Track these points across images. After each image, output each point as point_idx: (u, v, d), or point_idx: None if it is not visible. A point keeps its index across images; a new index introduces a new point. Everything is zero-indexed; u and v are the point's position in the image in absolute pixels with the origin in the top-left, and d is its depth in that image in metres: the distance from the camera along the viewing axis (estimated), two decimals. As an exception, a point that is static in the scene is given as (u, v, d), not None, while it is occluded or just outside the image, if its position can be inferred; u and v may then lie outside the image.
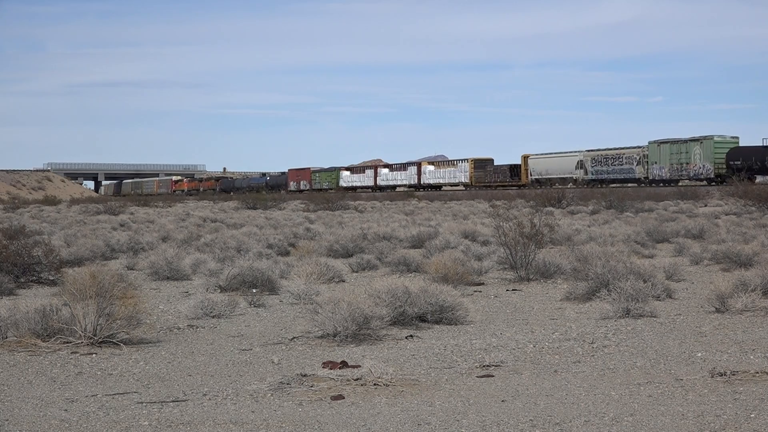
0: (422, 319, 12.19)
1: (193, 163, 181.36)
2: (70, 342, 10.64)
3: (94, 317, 10.65)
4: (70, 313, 10.86)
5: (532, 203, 49.45)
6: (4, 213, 51.40)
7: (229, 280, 15.99)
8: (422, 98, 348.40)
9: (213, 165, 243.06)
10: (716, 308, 12.63)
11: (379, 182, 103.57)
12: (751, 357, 9.65)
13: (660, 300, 13.88)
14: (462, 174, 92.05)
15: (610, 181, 73.72)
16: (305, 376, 8.84)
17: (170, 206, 65.67)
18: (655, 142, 71.23)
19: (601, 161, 75.90)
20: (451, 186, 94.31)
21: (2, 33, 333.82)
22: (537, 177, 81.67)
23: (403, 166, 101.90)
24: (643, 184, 70.22)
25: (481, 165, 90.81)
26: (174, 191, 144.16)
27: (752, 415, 7.34)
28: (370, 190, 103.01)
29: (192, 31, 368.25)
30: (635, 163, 72.76)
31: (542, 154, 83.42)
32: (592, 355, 10.00)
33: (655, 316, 12.35)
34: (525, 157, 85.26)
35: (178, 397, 8.46)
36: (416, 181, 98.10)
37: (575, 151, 79.67)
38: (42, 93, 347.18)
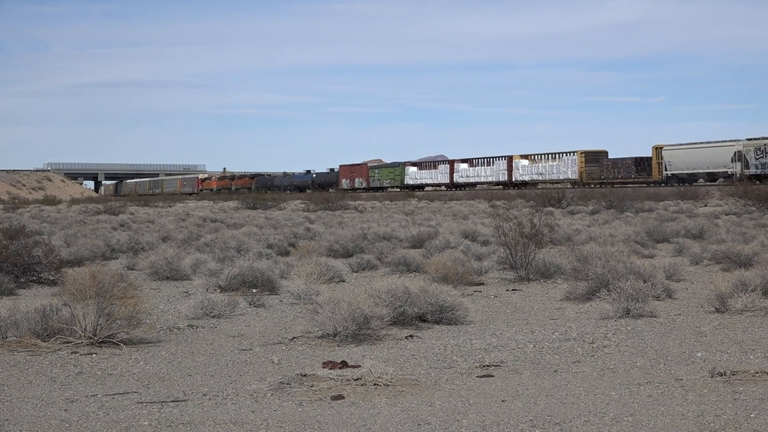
0: (422, 319, 12.18)
1: (193, 163, 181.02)
2: (70, 342, 10.64)
3: (94, 317, 10.65)
4: (70, 313, 10.86)
5: (532, 203, 49.48)
6: (4, 213, 51.38)
7: (229, 280, 15.98)
8: (423, 98, 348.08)
9: (213, 165, 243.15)
10: (716, 308, 12.63)
11: (456, 179, 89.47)
12: (751, 357, 9.66)
13: (660, 300, 13.88)
14: (569, 169, 78.29)
15: None
16: (305, 376, 8.84)
17: (170, 206, 65.68)
18: None
19: None
20: (553, 184, 78.44)
21: (6, 33, 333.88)
22: (675, 172, 68.93)
23: (488, 161, 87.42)
24: None
25: (595, 158, 77.31)
26: (201, 190, 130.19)
27: (752, 415, 7.34)
28: (444, 188, 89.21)
29: (194, 32, 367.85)
30: None
31: (682, 145, 70.01)
32: (592, 355, 10.00)
33: (655, 316, 12.34)
34: (657, 149, 71.55)
35: (178, 397, 8.46)
36: (506, 177, 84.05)
37: (731, 141, 66.22)
38: (45, 93, 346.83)
